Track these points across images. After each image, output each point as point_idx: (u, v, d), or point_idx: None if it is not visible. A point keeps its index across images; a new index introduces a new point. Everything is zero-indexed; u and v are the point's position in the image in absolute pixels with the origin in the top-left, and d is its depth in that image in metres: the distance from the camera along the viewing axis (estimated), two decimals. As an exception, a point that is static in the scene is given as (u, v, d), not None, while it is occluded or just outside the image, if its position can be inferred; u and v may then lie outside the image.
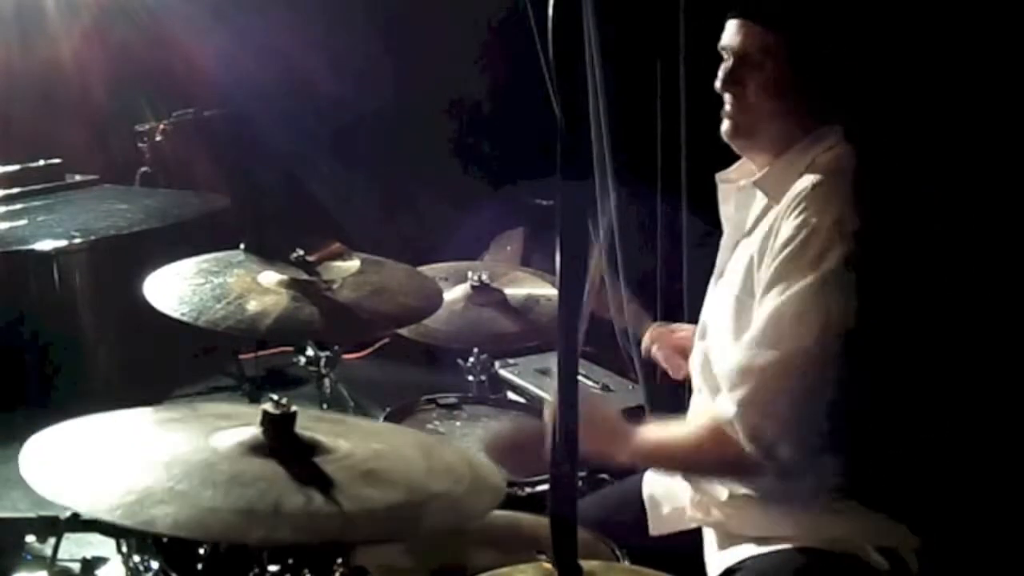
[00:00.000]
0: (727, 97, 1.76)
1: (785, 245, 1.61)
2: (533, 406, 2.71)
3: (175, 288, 2.11)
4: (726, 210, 1.87)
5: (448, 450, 1.60)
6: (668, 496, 1.93)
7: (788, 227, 1.62)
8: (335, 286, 2.18)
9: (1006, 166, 1.94)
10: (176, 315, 2.01)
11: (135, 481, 1.27)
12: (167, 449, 1.37)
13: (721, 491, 1.78)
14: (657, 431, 1.74)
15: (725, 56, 1.76)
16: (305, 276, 2.15)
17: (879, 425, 1.66)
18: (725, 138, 1.80)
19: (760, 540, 1.75)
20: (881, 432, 1.67)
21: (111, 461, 1.34)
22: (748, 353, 1.62)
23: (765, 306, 1.62)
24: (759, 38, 1.70)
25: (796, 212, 1.62)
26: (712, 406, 1.72)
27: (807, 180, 1.66)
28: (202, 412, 1.57)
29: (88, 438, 1.42)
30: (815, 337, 1.56)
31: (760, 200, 1.77)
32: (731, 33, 1.75)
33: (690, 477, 1.80)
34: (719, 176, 1.89)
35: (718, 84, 1.76)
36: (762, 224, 1.73)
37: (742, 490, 1.74)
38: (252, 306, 2.07)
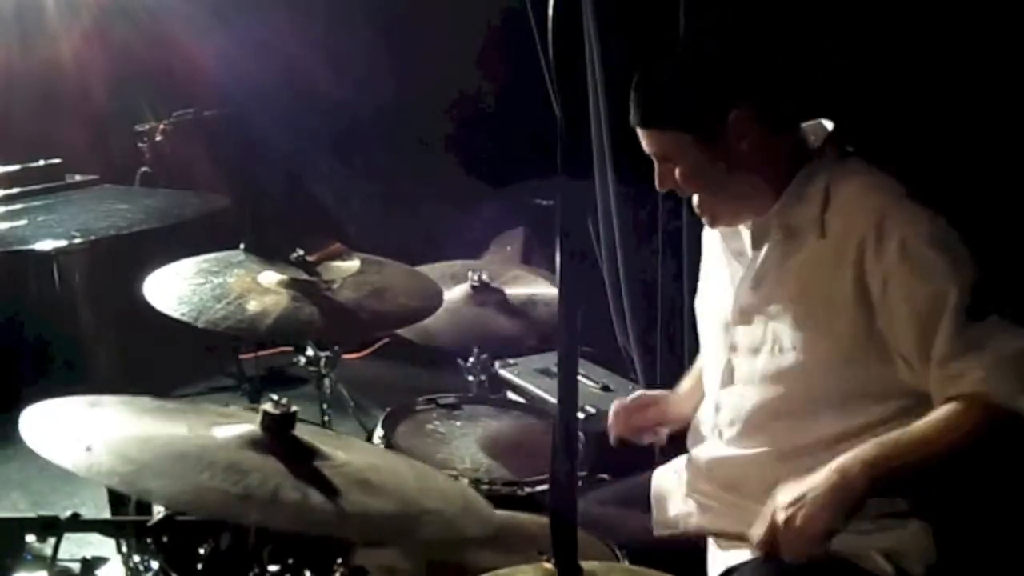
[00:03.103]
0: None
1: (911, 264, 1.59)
2: (533, 406, 2.71)
3: (175, 288, 2.11)
4: (734, 246, 1.84)
5: (442, 477, 1.61)
6: (674, 497, 1.93)
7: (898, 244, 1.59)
8: (335, 286, 2.18)
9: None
10: (176, 315, 2.01)
11: (135, 454, 1.27)
12: (168, 433, 1.38)
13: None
14: (879, 442, 1.59)
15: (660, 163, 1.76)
16: (305, 276, 2.16)
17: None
18: (713, 227, 1.83)
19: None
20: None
21: (113, 433, 1.34)
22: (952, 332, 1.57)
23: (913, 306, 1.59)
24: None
25: (893, 227, 1.60)
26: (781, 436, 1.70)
27: (881, 197, 1.65)
28: (203, 408, 1.58)
29: (90, 412, 1.43)
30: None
31: (777, 231, 1.75)
32: (646, 141, 1.75)
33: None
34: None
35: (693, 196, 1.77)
36: (805, 248, 1.71)
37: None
38: (252, 306, 2.07)
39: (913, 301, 1.59)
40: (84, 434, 1.32)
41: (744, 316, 1.79)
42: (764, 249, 1.76)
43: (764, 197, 1.73)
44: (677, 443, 2.04)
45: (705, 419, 1.91)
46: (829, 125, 1.78)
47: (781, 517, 1.55)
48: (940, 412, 1.57)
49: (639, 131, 1.76)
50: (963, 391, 1.56)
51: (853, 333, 1.64)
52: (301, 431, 1.43)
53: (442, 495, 1.47)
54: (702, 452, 1.89)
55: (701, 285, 1.99)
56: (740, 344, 1.81)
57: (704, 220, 1.82)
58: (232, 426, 1.43)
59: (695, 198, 1.79)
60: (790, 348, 1.71)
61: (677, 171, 1.74)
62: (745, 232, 1.81)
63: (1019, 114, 1.98)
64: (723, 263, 1.88)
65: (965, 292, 1.57)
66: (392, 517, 1.34)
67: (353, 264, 2.26)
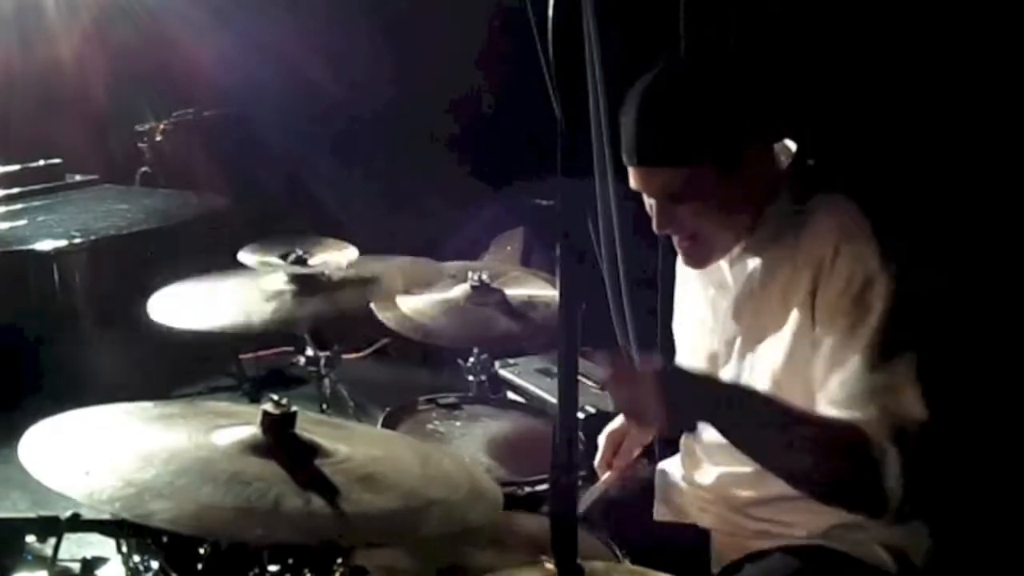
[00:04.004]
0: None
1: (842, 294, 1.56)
2: (533, 406, 2.71)
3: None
4: (716, 277, 1.80)
5: (447, 459, 1.60)
6: (681, 485, 1.93)
7: (840, 277, 1.57)
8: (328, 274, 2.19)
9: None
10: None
11: (135, 475, 1.27)
12: (168, 445, 1.37)
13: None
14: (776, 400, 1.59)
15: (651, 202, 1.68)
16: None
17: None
18: (702, 267, 1.77)
19: (764, 535, 1.75)
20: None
21: (112, 453, 1.34)
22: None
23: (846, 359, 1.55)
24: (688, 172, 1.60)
25: (844, 263, 1.57)
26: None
27: (831, 224, 1.60)
28: (202, 409, 1.58)
29: (89, 430, 1.43)
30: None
31: (754, 261, 1.72)
32: (653, 180, 1.65)
33: (784, 461, 1.57)
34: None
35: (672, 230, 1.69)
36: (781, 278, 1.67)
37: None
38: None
39: (835, 337, 1.56)
40: (83, 455, 1.32)
41: (728, 347, 1.77)
42: (743, 280, 1.73)
43: (747, 224, 1.68)
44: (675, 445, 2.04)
45: (694, 445, 1.89)
46: (791, 145, 1.74)
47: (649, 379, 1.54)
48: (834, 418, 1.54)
49: (640, 170, 1.65)
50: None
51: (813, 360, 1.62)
52: (301, 420, 1.42)
53: (447, 481, 1.46)
54: (698, 476, 1.88)
55: (678, 311, 1.98)
56: (723, 374, 1.78)
57: (691, 263, 1.75)
58: (232, 430, 1.42)
59: (679, 240, 1.71)
60: (760, 377, 1.69)
61: (685, 210, 1.65)
62: (724, 264, 1.77)
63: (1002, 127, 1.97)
64: (702, 294, 1.85)
65: (884, 346, 1.53)
66: (396, 514, 1.33)
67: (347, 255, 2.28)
